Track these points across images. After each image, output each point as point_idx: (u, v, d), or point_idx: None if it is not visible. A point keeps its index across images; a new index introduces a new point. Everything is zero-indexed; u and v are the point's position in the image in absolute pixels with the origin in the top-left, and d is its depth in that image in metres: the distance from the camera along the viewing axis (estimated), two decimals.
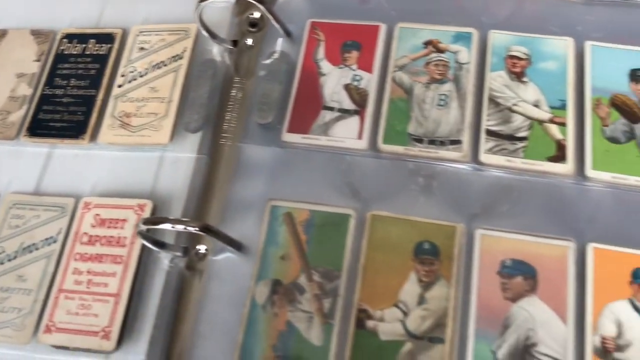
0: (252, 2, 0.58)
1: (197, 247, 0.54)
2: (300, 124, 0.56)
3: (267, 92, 0.58)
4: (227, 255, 0.53)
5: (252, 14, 0.64)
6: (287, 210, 0.52)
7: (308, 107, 0.57)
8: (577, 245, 0.49)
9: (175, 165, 0.59)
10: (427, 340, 0.47)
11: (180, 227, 0.49)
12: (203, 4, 0.58)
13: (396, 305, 0.48)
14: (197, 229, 0.48)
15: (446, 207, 0.52)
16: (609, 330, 0.46)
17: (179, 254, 0.54)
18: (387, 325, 0.47)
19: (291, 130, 0.56)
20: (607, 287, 0.47)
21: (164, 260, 0.55)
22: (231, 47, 0.64)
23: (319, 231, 0.51)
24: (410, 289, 0.48)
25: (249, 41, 0.64)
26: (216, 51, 0.64)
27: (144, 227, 0.49)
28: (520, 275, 0.48)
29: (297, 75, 0.58)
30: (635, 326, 0.46)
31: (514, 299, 0.48)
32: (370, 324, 0.48)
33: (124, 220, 0.56)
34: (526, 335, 0.46)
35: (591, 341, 0.46)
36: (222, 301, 0.51)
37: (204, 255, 0.54)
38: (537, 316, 0.47)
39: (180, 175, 0.58)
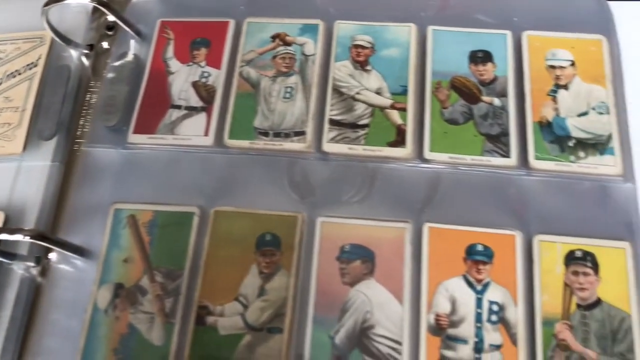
0: (98, 7, 0.58)
1: (49, 255, 0.53)
2: (147, 125, 0.55)
3: (113, 95, 0.57)
4: (75, 263, 0.52)
5: (108, 17, 0.64)
6: (131, 213, 0.52)
7: (155, 107, 0.56)
8: (414, 226, 0.50)
9: (30, 174, 0.58)
10: (266, 331, 0.47)
11: (18, 237, 0.49)
12: (47, 7, 0.57)
13: (237, 299, 0.48)
14: (29, 237, 0.47)
15: (290, 197, 0.52)
16: (443, 307, 0.47)
17: (31, 264, 0.53)
18: (227, 320, 0.47)
19: (137, 131, 0.55)
20: (442, 264, 0.49)
21: (17, 271, 0.53)
22: (87, 52, 0.63)
23: (162, 231, 0.51)
24: (250, 282, 0.49)
25: (105, 44, 0.63)
26: (74, 56, 0.63)
27: None
28: (359, 259, 0.49)
29: (145, 76, 0.58)
30: (468, 301, 0.47)
31: (353, 283, 0.48)
32: (210, 319, 0.48)
33: None
34: (363, 318, 0.47)
35: (426, 319, 0.47)
36: (67, 309, 0.50)
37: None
38: (374, 298, 0.48)
39: (35, 184, 0.57)
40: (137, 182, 0.54)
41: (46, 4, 0.57)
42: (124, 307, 0.49)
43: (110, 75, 0.59)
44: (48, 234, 0.49)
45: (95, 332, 0.48)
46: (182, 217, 0.51)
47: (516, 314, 0.47)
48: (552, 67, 0.56)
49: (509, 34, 0.57)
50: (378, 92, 0.55)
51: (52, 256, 0.53)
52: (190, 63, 0.58)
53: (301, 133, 0.54)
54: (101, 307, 0.49)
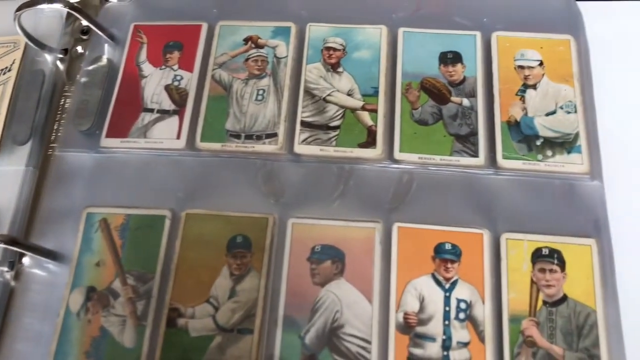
0: (71, 12, 0.58)
1: (22, 260, 0.54)
2: (119, 128, 0.56)
3: (86, 99, 0.57)
4: (47, 267, 0.52)
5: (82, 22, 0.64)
6: (103, 217, 0.52)
7: (128, 110, 0.57)
8: (384, 226, 0.50)
9: (3, 179, 0.58)
10: (236, 332, 0.47)
11: None
12: (19, 12, 0.58)
13: (208, 301, 0.49)
14: (1, 242, 0.48)
15: (262, 199, 0.53)
16: (412, 306, 0.48)
17: (5, 268, 0.53)
18: (198, 322, 0.48)
19: (110, 135, 0.56)
20: (411, 263, 0.49)
21: None
22: (61, 56, 0.63)
23: (134, 235, 0.51)
24: (221, 284, 0.49)
25: (80, 49, 0.63)
26: (49, 61, 0.63)
27: None
28: (329, 260, 0.49)
29: (118, 80, 0.58)
30: (436, 300, 0.48)
31: (323, 283, 0.49)
32: (181, 322, 0.48)
33: None
34: (333, 317, 0.48)
35: (395, 318, 0.47)
36: (40, 312, 0.50)
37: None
38: (344, 298, 0.48)
39: (9, 189, 0.58)
40: (110, 185, 0.54)
41: (18, 9, 0.58)
42: (96, 310, 0.49)
43: (83, 79, 0.59)
44: (20, 238, 0.50)
45: (67, 336, 0.48)
46: (154, 220, 0.52)
47: (484, 312, 0.47)
48: (521, 67, 0.56)
49: (478, 34, 0.58)
50: (349, 94, 0.56)
51: (26, 260, 0.53)
52: (163, 66, 0.59)
53: (273, 135, 0.54)
54: (73, 310, 0.49)
